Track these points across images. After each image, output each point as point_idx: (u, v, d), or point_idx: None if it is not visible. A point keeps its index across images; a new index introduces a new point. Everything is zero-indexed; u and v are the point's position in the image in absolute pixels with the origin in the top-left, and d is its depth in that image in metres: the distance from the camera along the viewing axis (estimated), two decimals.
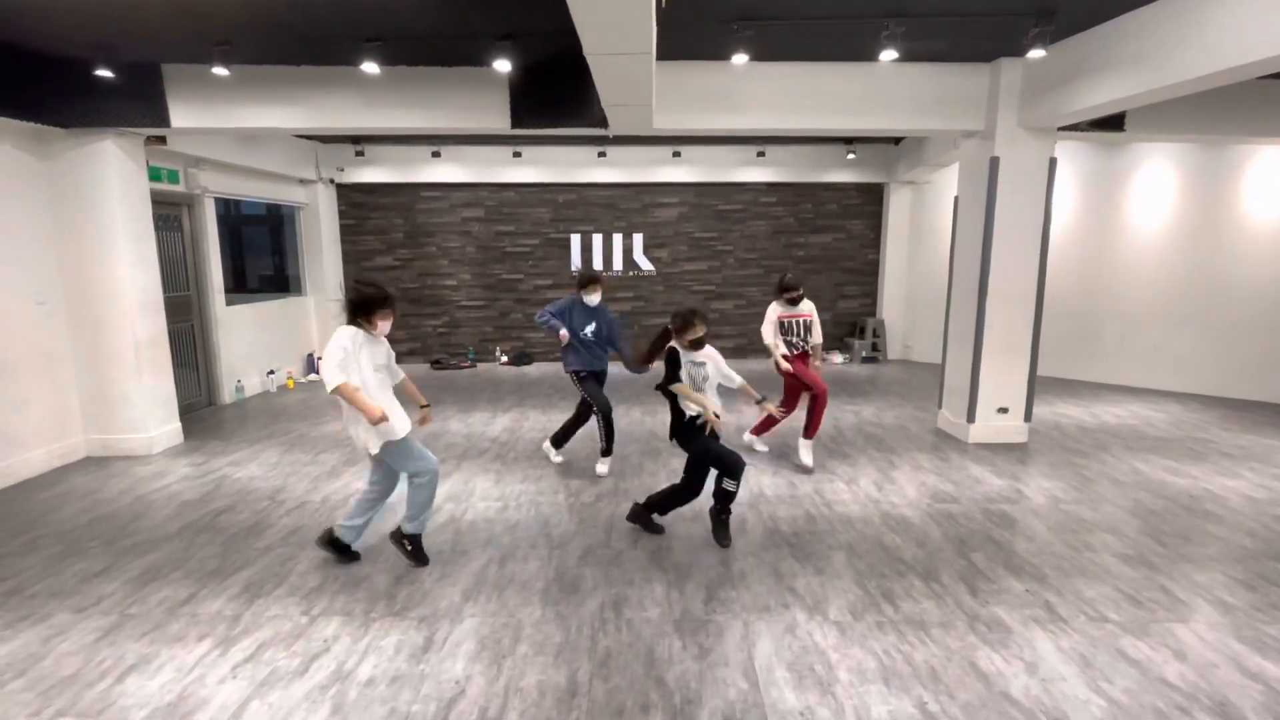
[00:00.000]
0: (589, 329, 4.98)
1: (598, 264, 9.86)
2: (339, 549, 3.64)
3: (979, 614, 3.14)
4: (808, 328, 5.21)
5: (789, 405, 5.28)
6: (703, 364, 3.77)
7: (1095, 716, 2.45)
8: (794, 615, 3.12)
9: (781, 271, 5.42)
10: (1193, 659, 2.80)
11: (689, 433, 3.79)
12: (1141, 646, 2.88)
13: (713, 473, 3.81)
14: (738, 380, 3.91)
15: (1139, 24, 4.24)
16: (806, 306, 5.22)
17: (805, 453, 5.16)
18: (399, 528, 3.63)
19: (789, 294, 5.13)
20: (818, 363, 5.28)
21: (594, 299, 5.00)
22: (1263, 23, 3.42)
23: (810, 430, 5.14)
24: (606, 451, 5.08)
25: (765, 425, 5.49)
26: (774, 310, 5.21)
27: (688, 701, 2.54)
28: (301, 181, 8.90)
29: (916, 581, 3.44)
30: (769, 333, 5.20)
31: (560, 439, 5.34)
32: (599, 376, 5.12)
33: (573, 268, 9.85)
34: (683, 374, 3.72)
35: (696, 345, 3.73)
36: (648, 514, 4.03)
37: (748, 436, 5.68)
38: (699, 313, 3.72)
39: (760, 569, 3.57)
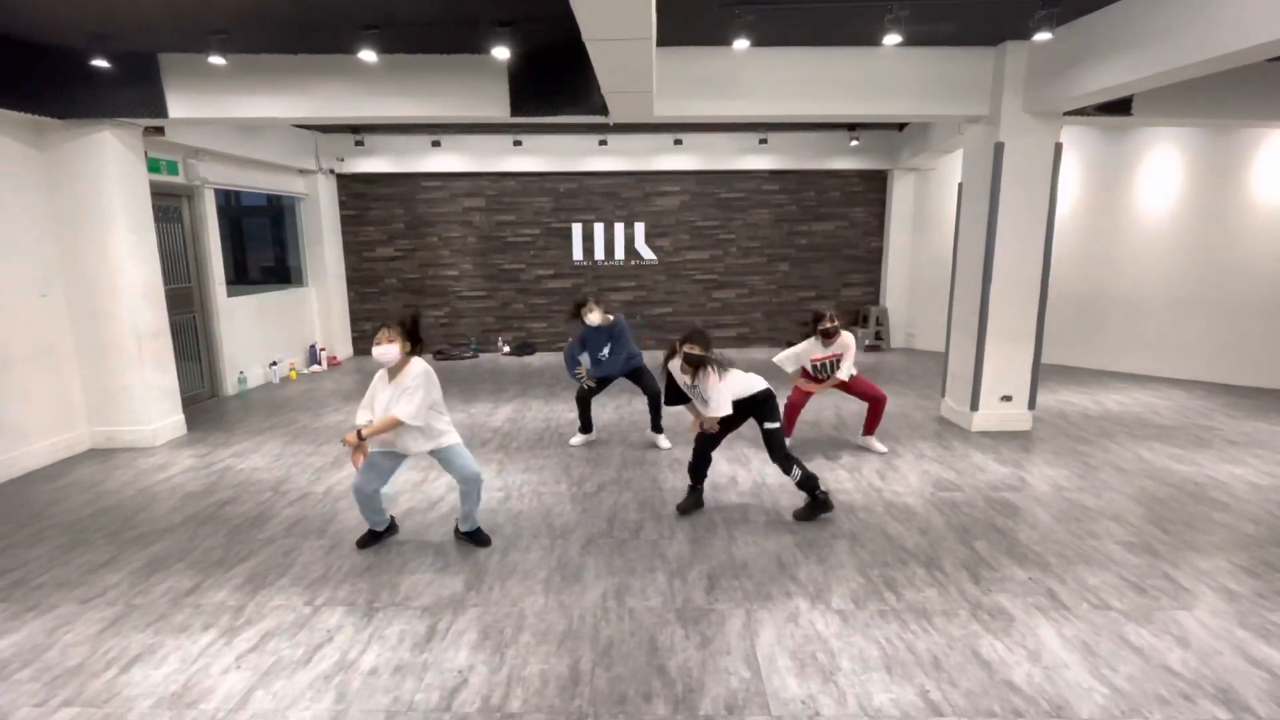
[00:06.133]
0: (604, 351, 5.26)
1: (599, 254, 9.80)
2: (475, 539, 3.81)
3: (981, 602, 3.13)
4: (837, 364, 5.04)
5: (788, 429, 5.09)
6: (695, 388, 3.86)
7: (1098, 704, 2.45)
8: (796, 604, 3.12)
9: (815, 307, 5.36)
10: (1196, 646, 2.79)
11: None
12: (1145, 634, 2.87)
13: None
14: (714, 409, 3.78)
15: (1147, 5, 4.17)
16: (840, 343, 5.00)
17: (876, 444, 5.30)
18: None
19: (827, 335, 4.92)
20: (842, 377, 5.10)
21: (593, 319, 5.19)
22: (1272, 3, 3.36)
23: (871, 426, 5.28)
24: (585, 429, 5.55)
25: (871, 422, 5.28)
26: (807, 349, 5.03)
27: (690, 690, 2.55)
28: (301, 172, 8.87)
29: (919, 570, 3.44)
30: (788, 364, 5.13)
31: (655, 424, 5.51)
32: (601, 382, 5.41)
33: (574, 257, 9.82)
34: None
35: (691, 363, 3.77)
36: (817, 502, 4.07)
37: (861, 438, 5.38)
38: (698, 334, 3.80)
39: (762, 558, 3.57)
